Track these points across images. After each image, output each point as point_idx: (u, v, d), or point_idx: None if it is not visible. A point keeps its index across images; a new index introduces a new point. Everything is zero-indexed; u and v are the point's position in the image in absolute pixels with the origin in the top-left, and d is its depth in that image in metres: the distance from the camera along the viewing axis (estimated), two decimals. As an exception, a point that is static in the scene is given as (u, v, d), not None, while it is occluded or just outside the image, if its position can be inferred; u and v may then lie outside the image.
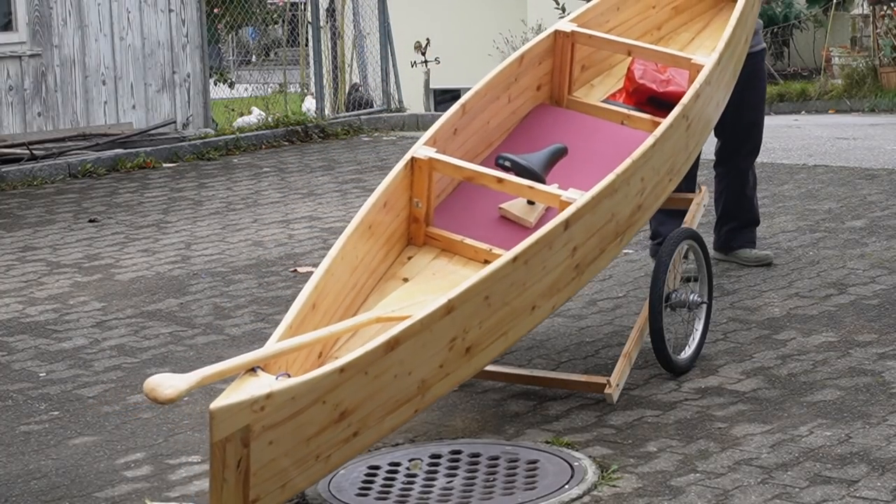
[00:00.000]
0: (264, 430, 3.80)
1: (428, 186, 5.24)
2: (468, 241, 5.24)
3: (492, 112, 5.80)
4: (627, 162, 5.14)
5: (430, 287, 4.95)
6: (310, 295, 4.56)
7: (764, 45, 7.21)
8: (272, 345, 4.24)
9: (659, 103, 6.01)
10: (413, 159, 5.22)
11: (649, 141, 5.27)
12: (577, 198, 4.95)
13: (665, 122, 5.40)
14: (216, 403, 3.71)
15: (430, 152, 5.24)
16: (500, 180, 5.20)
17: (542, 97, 6.12)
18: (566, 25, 6.14)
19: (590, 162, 5.62)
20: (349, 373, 4.02)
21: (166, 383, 3.75)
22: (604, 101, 6.20)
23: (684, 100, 5.53)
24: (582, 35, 6.12)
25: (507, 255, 4.63)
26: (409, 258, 5.24)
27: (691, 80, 5.78)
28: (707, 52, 6.12)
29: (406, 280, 5.10)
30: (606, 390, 5.15)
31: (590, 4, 6.45)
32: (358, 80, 15.27)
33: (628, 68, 6.24)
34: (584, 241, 4.99)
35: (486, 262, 4.95)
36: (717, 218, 7.35)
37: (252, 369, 3.99)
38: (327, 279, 4.70)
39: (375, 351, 4.11)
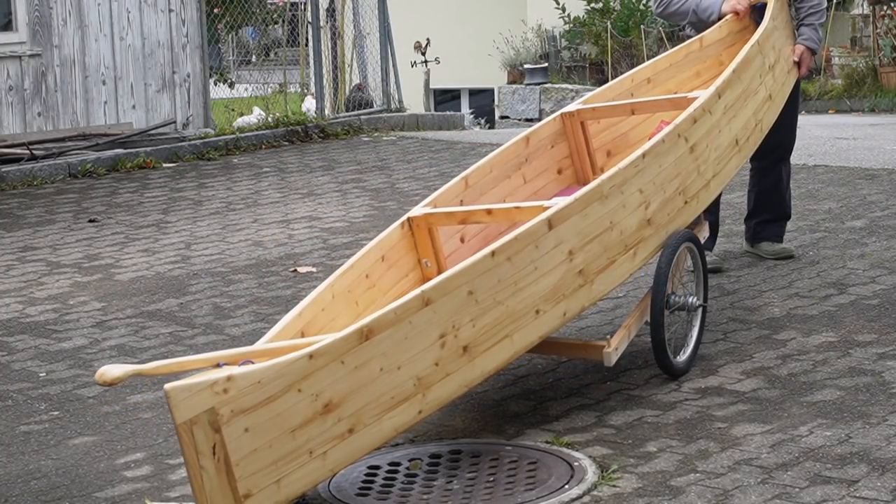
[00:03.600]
0: (234, 415, 3.79)
1: (433, 244, 5.31)
2: None
3: (505, 190, 5.84)
4: (615, 169, 5.20)
5: None
6: (293, 321, 4.53)
7: None
8: (242, 348, 4.24)
9: None
10: (410, 219, 5.32)
11: (638, 151, 5.34)
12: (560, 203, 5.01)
13: (657, 136, 5.47)
14: (172, 383, 3.71)
15: (427, 210, 5.33)
16: (489, 212, 5.30)
17: (567, 180, 6.18)
18: (571, 106, 6.22)
19: None
20: (321, 360, 4.01)
21: (116, 366, 3.75)
22: None
23: (678, 120, 5.60)
24: (585, 110, 6.19)
25: (485, 249, 4.66)
26: None
27: None
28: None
29: None
30: (605, 349, 5.12)
31: (599, 90, 6.50)
32: (360, 80, 15.28)
33: (649, 136, 6.27)
34: (580, 245, 5.01)
35: None
36: (749, 211, 7.43)
37: (217, 365, 3.98)
38: (315, 311, 4.69)
39: (348, 339, 4.11)
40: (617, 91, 6.48)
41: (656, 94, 6.61)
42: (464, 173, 5.71)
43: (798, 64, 6.91)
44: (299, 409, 3.97)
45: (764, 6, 6.85)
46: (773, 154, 7.24)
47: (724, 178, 5.99)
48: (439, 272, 5.27)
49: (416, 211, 5.37)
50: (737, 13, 6.90)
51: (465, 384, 4.61)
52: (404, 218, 5.34)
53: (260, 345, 4.29)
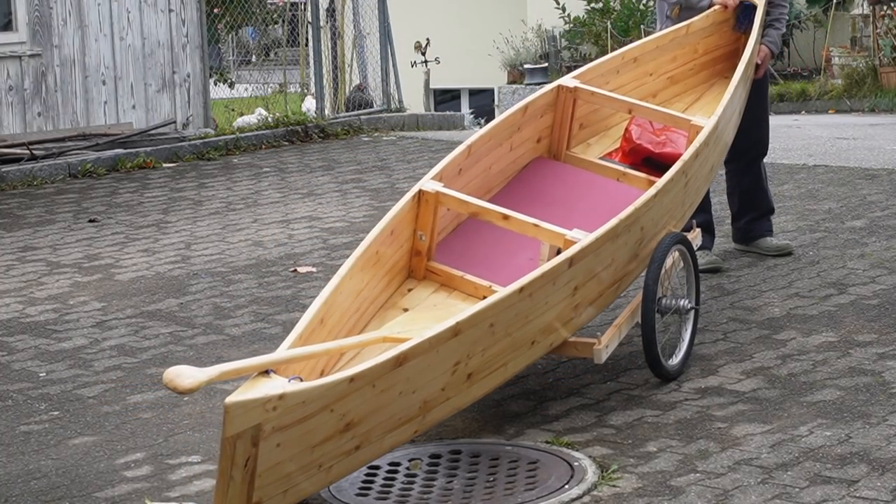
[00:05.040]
0: (273, 431, 3.82)
1: (433, 220, 5.32)
2: (469, 277, 5.32)
3: (494, 158, 5.91)
4: (630, 209, 5.21)
5: (432, 316, 5.02)
6: (319, 309, 4.61)
7: None
8: (284, 351, 4.28)
9: (654, 164, 6.17)
10: (420, 192, 5.30)
11: (651, 191, 5.36)
12: (582, 237, 5.01)
13: (667, 175, 5.51)
14: (232, 399, 3.73)
15: (438, 186, 5.32)
16: (505, 217, 5.27)
17: (541, 150, 6.24)
18: (569, 81, 6.28)
19: (587, 214, 5.71)
20: (358, 384, 4.05)
21: (186, 374, 3.78)
22: (601, 159, 6.32)
23: (685, 156, 5.64)
24: (584, 91, 6.25)
25: (514, 285, 4.67)
26: (410, 290, 5.30)
27: (690, 141, 5.91)
28: (705, 117, 6.23)
29: (406, 310, 5.17)
30: (596, 347, 5.13)
31: (591, 64, 6.60)
32: (361, 81, 15.28)
33: (626, 128, 6.38)
34: (584, 282, 5.04)
35: (485, 298, 4.97)
36: (734, 213, 7.47)
37: (265, 371, 4.01)
38: (336, 296, 4.74)
39: (384, 364, 4.14)
40: (607, 67, 6.59)
41: (636, 75, 6.71)
42: (467, 141, 5.74)
43: (758, 66, 6.98)
44: (326, 427, 4.00)
45: (749, 5, 6.92)
46: (750, 152, 7.27)
47: (694, 207, 6.10)
48: (430, 246, 5.32)
49: (428, 185, 5.32)
50: (725, 6, 7.01)
51: (457, 408, 4.66)
52: (415, 190, 5.31)
53: (287, 350, 4.32)
